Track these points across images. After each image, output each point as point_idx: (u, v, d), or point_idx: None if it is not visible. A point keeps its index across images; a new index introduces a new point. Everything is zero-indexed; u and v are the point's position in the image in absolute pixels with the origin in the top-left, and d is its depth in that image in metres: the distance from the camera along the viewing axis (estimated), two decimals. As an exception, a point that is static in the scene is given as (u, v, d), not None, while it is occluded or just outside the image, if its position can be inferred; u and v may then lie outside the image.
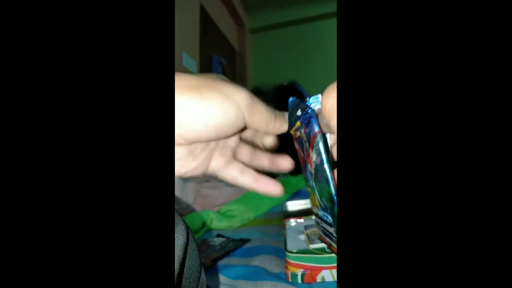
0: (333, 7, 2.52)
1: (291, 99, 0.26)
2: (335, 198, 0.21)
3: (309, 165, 0.26)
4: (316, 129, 0.23)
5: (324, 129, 0.23)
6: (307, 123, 0.24)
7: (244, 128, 0.25)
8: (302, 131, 0.25)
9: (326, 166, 0.22)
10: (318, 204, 0.26)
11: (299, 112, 0.25)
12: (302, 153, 0.26)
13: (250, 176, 0.27)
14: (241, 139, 0.29)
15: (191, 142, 0.23)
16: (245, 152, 0.29)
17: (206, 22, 2.05)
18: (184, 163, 0.24)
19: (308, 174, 0.26)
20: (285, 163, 0.28)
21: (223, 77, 0.24)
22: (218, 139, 0.25)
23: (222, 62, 2.21)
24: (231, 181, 0.27)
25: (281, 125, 0.26)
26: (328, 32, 2.58)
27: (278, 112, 0.26)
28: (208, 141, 0.25)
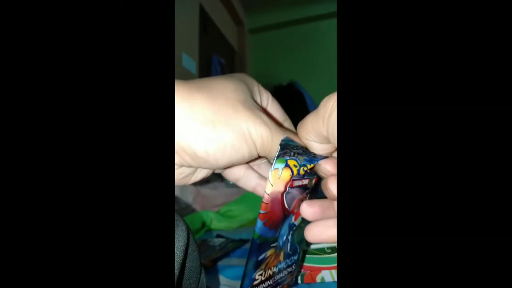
0: (333, 7, 2.52)
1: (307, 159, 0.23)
2: None
3: (293, 217, 0.24)
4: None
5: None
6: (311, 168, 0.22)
7: None
8: (307, 180, 0.24)
9: None
10: (281, 258, 0.25)
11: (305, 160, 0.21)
12: (287, 205, 0.23)
13: (253, 178, 0.26)
14: None
15: (191, 166, 0.22)
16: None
17: (206, 22, 2.05)
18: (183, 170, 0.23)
19: (285, 229, 0.24)
20: None
21: (244, 95, 0.22)
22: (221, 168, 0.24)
23: (221, 62, 2.21)
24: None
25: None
26: (328, 32, 2.58)
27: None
28: (210, 168, 0.23)
